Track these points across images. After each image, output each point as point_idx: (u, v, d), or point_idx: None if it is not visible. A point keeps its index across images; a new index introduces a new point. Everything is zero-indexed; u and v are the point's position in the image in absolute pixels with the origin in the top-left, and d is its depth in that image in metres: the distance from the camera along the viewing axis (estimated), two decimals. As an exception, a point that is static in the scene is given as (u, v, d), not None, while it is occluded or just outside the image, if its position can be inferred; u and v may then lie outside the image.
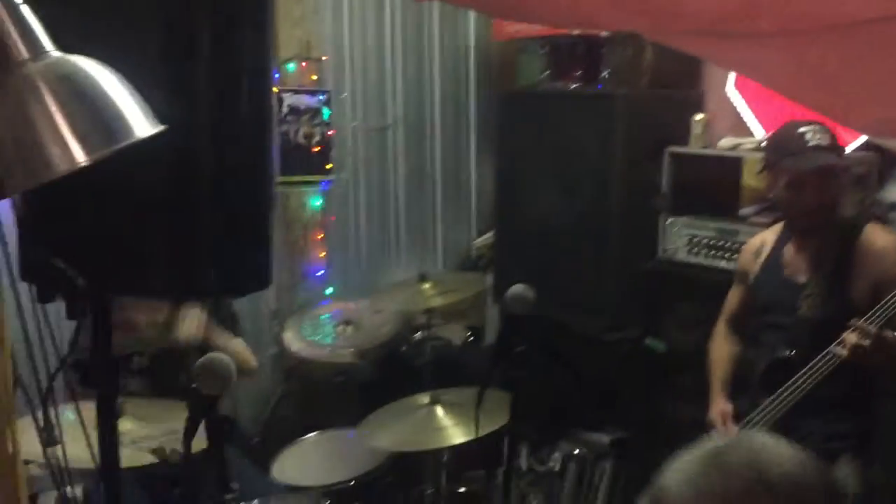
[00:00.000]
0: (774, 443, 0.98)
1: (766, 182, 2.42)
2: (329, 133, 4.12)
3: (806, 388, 2.22)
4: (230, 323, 3.12)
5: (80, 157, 1.05)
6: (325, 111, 4.09)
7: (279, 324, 4.07)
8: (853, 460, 2.28)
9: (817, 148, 2.25)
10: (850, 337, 2.05)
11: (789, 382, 2.26)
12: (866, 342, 2.02)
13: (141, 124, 1.15)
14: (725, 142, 3.25)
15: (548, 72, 3.85)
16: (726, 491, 0.92)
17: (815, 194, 2.27)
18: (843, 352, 2.07)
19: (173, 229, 1.46)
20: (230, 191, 1.47)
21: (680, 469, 0.96)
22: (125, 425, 2.62)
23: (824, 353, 2.16)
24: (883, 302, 2.06)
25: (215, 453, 1.88)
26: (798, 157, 2.26)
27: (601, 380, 3.49)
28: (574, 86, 3.70)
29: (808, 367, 2.21)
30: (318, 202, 4.20)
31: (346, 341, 3.75)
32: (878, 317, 2.05)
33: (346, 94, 4.24)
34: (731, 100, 3.43)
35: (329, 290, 4.26)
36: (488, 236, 4.52)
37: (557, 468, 3.47)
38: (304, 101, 4.00)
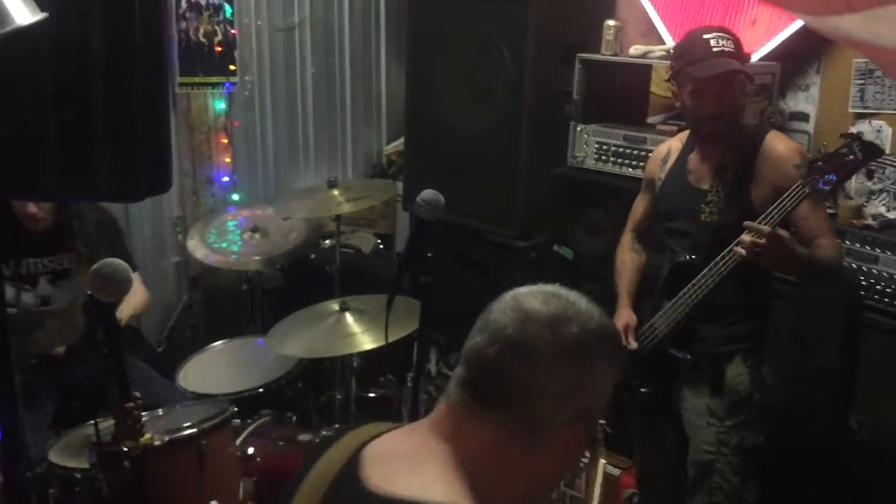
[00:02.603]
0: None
1: (673, 90, 2.43)
2: (232, 32, 3.95)
3: (704, 290, 2.29)
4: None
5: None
6: (228, 8, 3.91)
7: (183, 231, 3.96)
8: (744, 361, 2.40)
9: (721, 53, 2.26)
10: (746, 238, 2.10)
11: (688, 286, 2.34)
12: (761, 241, 2.08)
13: (20, 11, 1.07)
14: (635, 49, 3.25)
15: (460, -27, 3.74)
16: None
17: (718, 100, 2.28)
18: (741, 251, 2.11)
19: (64, 128, 1.37)
20: (123, 87, 1.39)
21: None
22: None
23: (723, 253, 2.22)
24: (776, 202, 2.12)
25: (114, 361, 1.83)
26: (702, 63, 2.26)
27: (509, 286, 3.54)
28: (487, -11, 3.62)
29: (706, 269, 2.28)
30: (221, 105, 4.05)
31: (254, 248, 3.69)
32: (773, 217, 2.11)
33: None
34: (643, 6, 3.43)
35: (235, 197, 4.16)
36: (398, 143, 4.47)
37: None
38: (205, -4, 3.81)
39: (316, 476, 1.15)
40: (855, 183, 2.92)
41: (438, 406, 1.13)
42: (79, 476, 2.39)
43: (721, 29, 2.33)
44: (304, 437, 2.78)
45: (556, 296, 1.11)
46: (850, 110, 3.00)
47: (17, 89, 1.33)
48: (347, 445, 1.16)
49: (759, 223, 2.12)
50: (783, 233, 2.09)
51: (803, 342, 2.71)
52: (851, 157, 2.02)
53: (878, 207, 2.86)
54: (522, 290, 1.14)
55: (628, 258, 2.70)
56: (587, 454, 2.15)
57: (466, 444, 1.07)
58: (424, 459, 1.07)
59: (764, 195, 2.28)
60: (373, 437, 1.15)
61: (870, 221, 2.74)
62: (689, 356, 2.41)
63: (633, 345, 2.51)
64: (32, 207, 2.81)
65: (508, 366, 1.06)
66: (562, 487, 3.36)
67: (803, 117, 3.16)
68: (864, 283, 2.59)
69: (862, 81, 2.96)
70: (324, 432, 2.81)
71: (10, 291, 2.87)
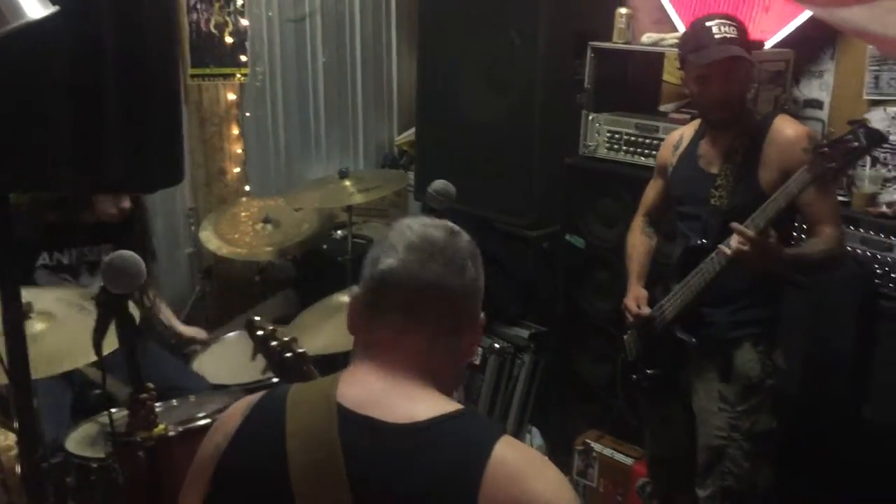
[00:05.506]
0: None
1: (682, 77, 2.45)
2: (243, 23, 3.95)
3: (711, 274, 2.29)
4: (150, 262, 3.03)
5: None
6: (239, -1, 3.91)
7: (195, 222, 3.98)
8: (754, 347, 2.40)
9: (724, 40, 2.26)
10: (733, 241, 2.10)
11: (696, 269, 2.34)
12: (746, 247, 2.08)
13: (32, 5, 1.07)
14: (648, 37, 3.23)
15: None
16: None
17: (722, 86, 2.30)
18: (727, 251, 2.12)
19: (77, 120, 1.38)
20: (135, 79, 1.39)
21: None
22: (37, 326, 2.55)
23: (714, 251, 2.23)
24: (781, 187, 2.12)
25: (127, 353, 1.84)
26: (704, 51, 2.27)
27: (522, 276, 3.55)
28: (497, -23, 3.60)
29: (714, 254, 2.28)
30: (232, 96, 4.05)
31: (266, 239, 3.70)
32: (778, 202, 2.11)
33: (260, -20, 4.05)
34: (655, -6, 3.41)
35: (247, 188, 4.17)
36: (410, 133, 4.47)
37: (478, 361, 3.55)
38: (216, -13, 3.81)
39: (308, 439, 1.16)
40: (869, 171, 2.90)
41: (375, 339, 1.26)
42: (95, 465, 2.41)
43: (725, 16, 2.33)
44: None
45: (431, 220, 1.30)
46: (865, 97, 2.98)
47: (31, 83, 1.34)
48: (314, 402, 1.22)
49: (764, 208, 2.13)
50: (768, 239, 2.09)
51: (818, 329, 2.70)
52: (856, 143, 2.02)
53: (892, 195, 2.84)
54: (405, 221, 1.31)
55: (639, 241, 2.71)
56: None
57: (419, 358, 1.22)
58: (407, 389, 1.20)
59: (772, 179, 2.28)
60: (324, 391, 1.23)
61: (884, 209, 2.72)
62: (694, 339, 2.42)
63: (646, 310, 2.52)
64: (112, 208, 2.84)
65: (441, 276, 1.21)
66: (574, 476, 3.38)
67: (817, 104, 3.14)
68: (878, 271, 2.58)
69: (877, 68, 2.93)
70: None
71: (52, 281, 2.89)
